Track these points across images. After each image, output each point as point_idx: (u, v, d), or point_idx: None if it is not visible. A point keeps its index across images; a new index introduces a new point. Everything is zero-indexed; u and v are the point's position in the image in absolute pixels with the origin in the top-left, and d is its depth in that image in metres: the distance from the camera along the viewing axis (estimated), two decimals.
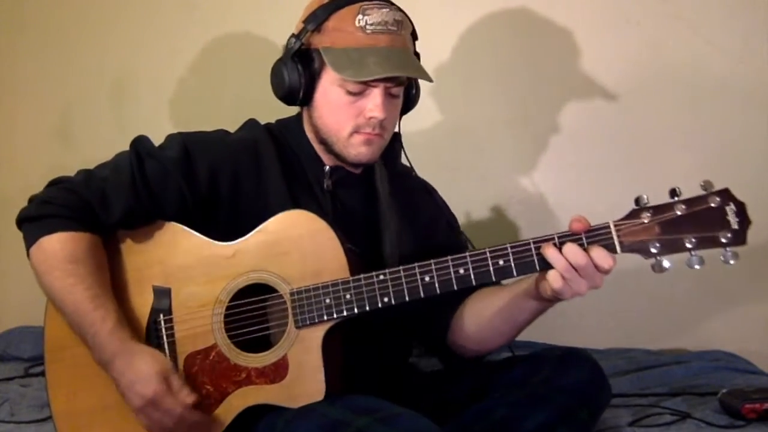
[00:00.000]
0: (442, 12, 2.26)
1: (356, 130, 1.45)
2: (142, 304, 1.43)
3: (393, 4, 1.47)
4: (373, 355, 1.48)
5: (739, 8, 2.11)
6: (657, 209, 1.21)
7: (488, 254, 1.28)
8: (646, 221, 1.21)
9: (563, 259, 1.23)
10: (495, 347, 1.52)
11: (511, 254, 1.27)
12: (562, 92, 2.21)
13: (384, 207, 1.53)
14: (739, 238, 1.18)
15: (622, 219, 1.23)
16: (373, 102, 1.42)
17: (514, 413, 1.33)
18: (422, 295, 1.30)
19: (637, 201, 1.22)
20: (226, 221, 1.45)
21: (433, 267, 1.30)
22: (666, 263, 1.21)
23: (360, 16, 1.41)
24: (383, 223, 1.51)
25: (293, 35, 1.48)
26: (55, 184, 1.44)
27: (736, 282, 2.12)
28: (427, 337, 1.60)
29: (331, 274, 1.34)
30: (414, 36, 1.51)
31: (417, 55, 1.52)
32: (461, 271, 1.29)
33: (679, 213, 1.20)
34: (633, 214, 1.23)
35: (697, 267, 1.20)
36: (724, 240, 1.18)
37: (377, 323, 1.42)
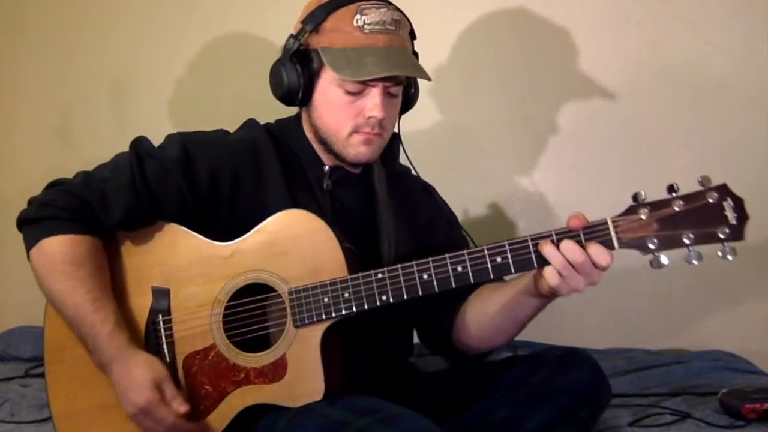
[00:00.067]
0: (442, 11, 2.26)
1: (355, 130, 1.45)
2: (142, 304, 1.43)
3: (391, 3, 1.47)
4: (373, 355, 1.48)
5: (739, 8, 2.11)
6: (655, 205, 1.21)
7: (486, 252, 1.28)
8: (643, 217, 1.21)
9: (560, 255, 1.23)
10: (498, 345, 1.52)
11: (508, 251, 1.27)
12: (562, 92, 2.21)
13: (382, 207, 1.53)
14: (737, 233, 1.18)
15: (619, 215, 1.23)
16: (372, 101, 1.42)
17: (514, 413, 1.33)
18: (420, 293, 1.30)
19: (635, 197, 1.22)
20: (226, 221, 1.45)
21: (431, 265, 1.30)
22: (664, 259, 1.21)
23: (358, 16, 1.41)
24: (381, 222, 1.51)
25: (292, 36, 1.48)
26: (55, 186, 1.44)
27: (736, 281, 2.12)
28: (431, 336, 1.59)
29: (329, 274, 1.34)
30: (412, 35, 1.51)
31: (415, 54, 1.52)
32: (459, 268, 1.29)
33: (676, 209, 1.20)
34: (631, 211, 1.22)
35: (695, 262, 1.20)
36: (722, 235, 1.18)
37: (376, 323, 1.42)
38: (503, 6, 2.23)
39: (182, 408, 1.34)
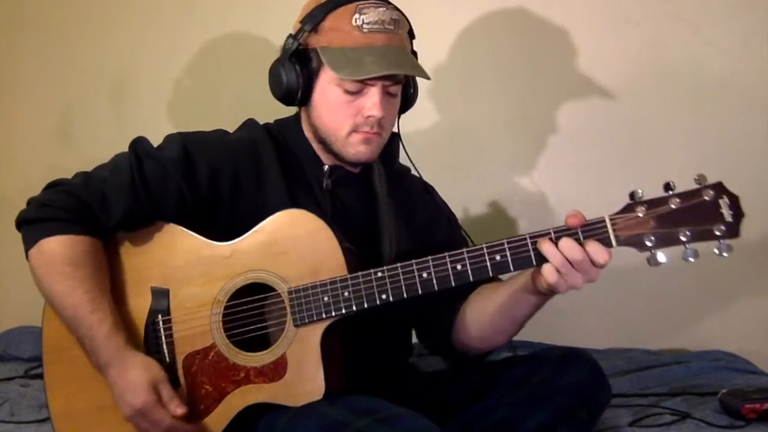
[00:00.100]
0: (441, 11, 2.26)
1: (354, 129, 1.45)
2: (141, 305, 1.43)
3: (389, 3, 1.47)
4: (373, 355, 1.48)
5: (739, 8, 2.12)
6: (651, 203, 1.22)
7: (485, 250, 1.28)
8: (641, 215, 1.22)
9: (559, 253, 1.24)
10: (497, 344, 1.52)
11: (507, 250, 1.27)
12: (562, 92, 2.22)
13: (382, 206, 1.53)
14: (733, 230, 1.19)
15: (617, 213, 1.24)
16: (371, 101, 1.43)
17: (514, 413, 1.33)
18: (420, 291, 1.30)
19: (632, 195, 1.23)
20: (226, 221, 1.45)
21: (431, 264, 1.30)
22: (661, 257, 1.22)
23: (356, 16, 1.41)
24: (382, 222, 1.51)
25: (290, 35, 1.48)
26: (54, 186, 1.43)
27: (736, 281, 2.12)
28: (430, 336, 1.59)
29: (329, 273, 1.34)
30: (411, 35, 1.51)
31: (414, 53, 1.52)
32: (458, 267, 1.29)
33: (673, 206, 1.21)
34: (628, 209, 1.23)
35: (691, 260, 1.21)
36: (718, 233, 1.19)
37: (376, 323, 1.42)
38: (503, 6, 2.23)
39: (179, 410, 1.34)
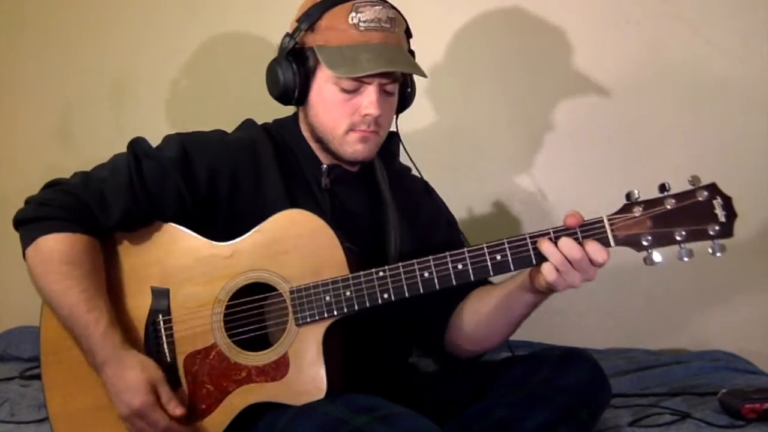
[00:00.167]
0: (441, 11, 2.26)
1: (352, 128, 1.45)
2: (141, 304, 1.43)
3: (386, 1, 1.48)
4: (373, 355, 1.48)
5: (739, 8, 2.12)
6: (648, 204, 1.24)
7: (486, 249, 1.29)
8: (637, 215, 1.24)
9: (559, 253, 1.25)
10: (490, 346, 1.53)
11: (508, 249, 1.28)
12: (561, 92, 2.21)
13: (389, 206, 1.53)
14: (727, 230, 1.21)
15: (615, 213, 1.26)
16: (368, 99, 1.43)
17: (513, 413, 1.33)
18: (421, 291, 1.31)
19: (628, 196, 1.25)
20: (225, 221, 1.45)
21: (432, 263, 1.30)
22: (657, 256, 1.24)
23: (353, 14, 1.42)
24: (389, 222, 1.51)
25: (287, 34, 1.49)
26: (52, 185, 1.43)
27: (736, 282, 2.12)
28: (424, 337, 1.59)
29: (330, 273, 1.35)
30: (408, 33, 1.52)
31: (412, 52, 1.52)
32: (459, 266, 1.30)
33: (669, 207, 1.23)
34: (625, 209, 1.25)
35: (686, 259, 1.23)
36: (712, 233, 1.21)
37: (377, 323, 1.42)
38: (504, 6, 2.23)
39: (178, 410, 1.34)
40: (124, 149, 1.47)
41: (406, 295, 1.31)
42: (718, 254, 1.21)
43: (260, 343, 1.39)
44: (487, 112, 2.29)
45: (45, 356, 1.46)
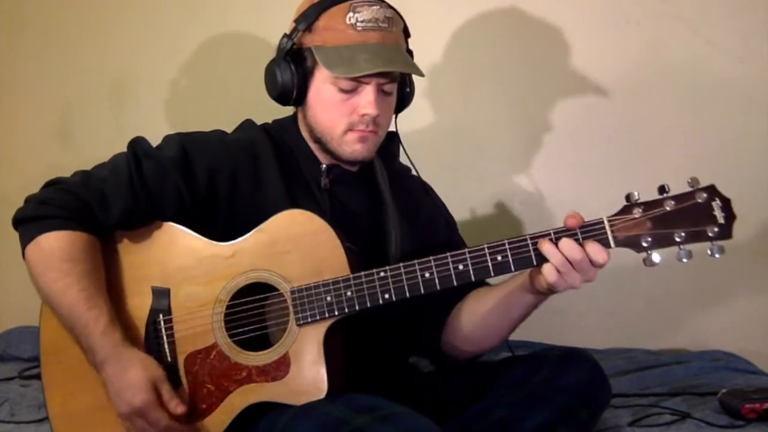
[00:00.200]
0: (441, 11, 2.26)
1: (350, 128, 1.45)
2: (141, 304, 1.43)
3: (383, 1, 1.48)
4: (374, 355, 1.48)
5: (739, 8, 2.12)
6: (648, 205, 1.25)
7: (486, 250, 1.29)
8: (637, 216, 1.25)
9: (559, 253, 1.25)
10: (488, 347, 1.53)
11: (508, 250, 1.29)
12: (561, 92, 2.21)
13: (389, 206, 1.53)
14: (725, 232, 1.22)
15: (614, 214, 1.26)
16: (366, 99, 1.43)
17: (513, 413, 1.34)
18: (422, 291, 1.31)
19: (628, 197, 1.26)
20: (224, 221, 1.45)
21: (433, 263, 1.31)
22: (656, 257, 1.24)
23: (350, 14, 1.42)
24: (389, 223, 1.51)
25: (285, 35, 1.49)
26: (52, 184, 1.43)
27: (736, 282, 2.12)
28: (422, 337, 1.59)
29: (331, 273, 1.35)
30: (406, 33, 1.52)
31: (410, 52, 1.52)
32: (460, 267, 1.30)
33: (668, 208, 1.24)
34: (625, 210, 1.26)
35: (685, 260, 1.24)
36: (711, 234, 1.22)
37: (377, 323, 1.42)
38: (504, 6, 2.23)
39: (179, 409, 1.34)
40: (124, 149, 1.47)
41: (407, 295, 1.31)
42: (717, 255, 1.22)
43: (261, 343, 1.39)
44: (487, 112, 2.29)
45: (45, 356, 1.45)
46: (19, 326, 2.40)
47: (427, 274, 1.31)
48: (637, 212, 1.24)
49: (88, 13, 2.54)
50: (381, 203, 1.54)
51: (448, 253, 1.30)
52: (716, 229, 1.22)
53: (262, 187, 1.47)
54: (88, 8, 2.54)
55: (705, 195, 1.23)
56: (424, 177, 1.66)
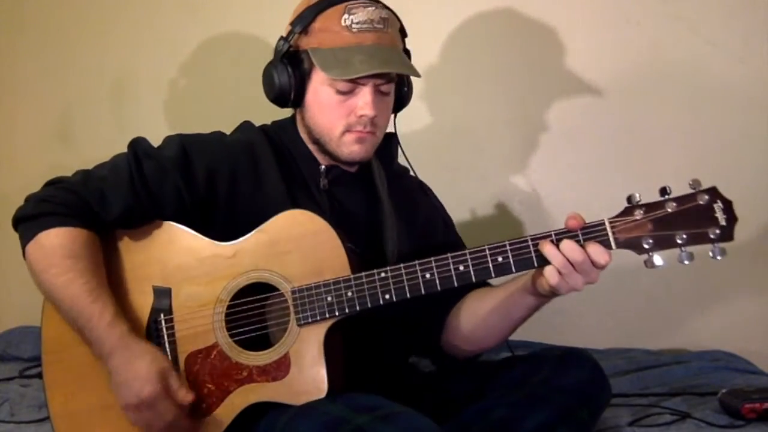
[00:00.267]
0: (440, 11, 2.26)
1: (348, 129, 1.45)
2: (142, 303, 1.43)
3: (379, 2, 1.48)
4: (374, 355, 1.48)
5: (739, 8, 2.12)
6: (649, 207, 1.25)
7: (487, 251, 1.29)
8: (638, 218, 1.25)
9: (561, 255, 1.25)
10: (488, 347, 1.54)
11: (509, 251, 1.29)
12: (561, 92, 2.21)
13: (385, 206, 1.53)
14: (727, 234, 1.22)
15: (616, 216, 1.26)
16: (363, 100, 1.43)
17: (513, 413, 1.34)
18: (423, 291, 1.31)
19: (629, 199, 1.26)
20: (224, 222, 1.45)
21: (434, 264, 1.31)
22: (657, 259, 1.24)
23: (346, 16, 1.42)
24: (385, 222, 1.52)
25: (282, 37, 1.49)
26: (53, 184, 1.43)
27: (736, 282, 2.12)
28: (422, 337, 1.60)
29: (332, 273, 1.35)
30: (403, 33, 1.52)
31: (407, 52, 1.52)
32: (461, 267, 1.30)
33: (669, 210, 1.24)
34: (626, 212, 1.26)
35: (686, 262, 1.23)
36: (712, 236, 1.22)
37: (378, 323, 1.42)
38: (504, 5, 2.23)
39: (187, 398, 1.33)
40: (124, 149, 1.48)
41: (408, 296, 1.32)
42: (719, 257, 1.22)
43: (261, 342, 1.39)
44: (487, 113, 2.29)
45: (46, 355, 1.45)
46: (19, 326, 2.40)
47: (427, 275, 1.31)
48: (638, 214, 1.24)
49: (88, 13, 2.54)
50: (378, 204, 1.54)
51: (449, 254, 1.30)
52: (718, 231, 1.22)
53: (261, 187, 1.48)
54: (88, 8, 2.54)
55: (707, 197, 1.23)
56: (424, 177, 1.66)
